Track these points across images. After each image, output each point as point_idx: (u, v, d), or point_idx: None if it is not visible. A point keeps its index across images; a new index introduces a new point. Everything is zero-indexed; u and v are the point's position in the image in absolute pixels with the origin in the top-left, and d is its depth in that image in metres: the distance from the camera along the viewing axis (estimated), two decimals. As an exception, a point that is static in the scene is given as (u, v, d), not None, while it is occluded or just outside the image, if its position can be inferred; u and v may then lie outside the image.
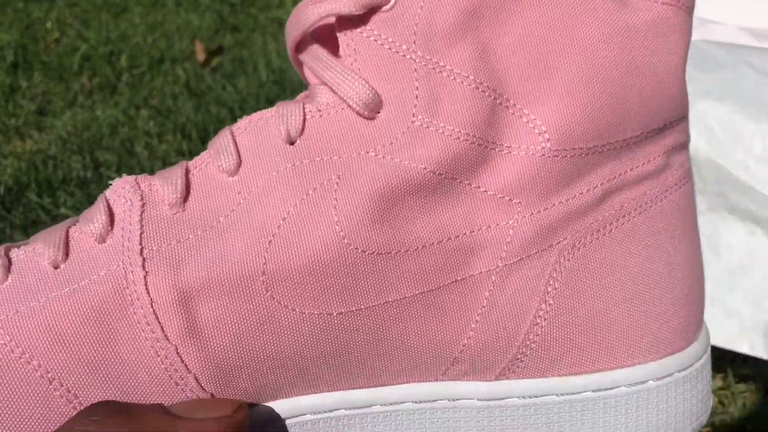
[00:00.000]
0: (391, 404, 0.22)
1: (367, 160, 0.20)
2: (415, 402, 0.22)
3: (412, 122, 0.20)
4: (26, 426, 0.19)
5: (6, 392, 0.19)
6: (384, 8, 0.20)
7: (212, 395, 0.20)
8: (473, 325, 0.21)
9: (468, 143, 0.20)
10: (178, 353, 0.19)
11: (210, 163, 0.21)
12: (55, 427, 0.19)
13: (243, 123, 0.21)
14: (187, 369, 0.19)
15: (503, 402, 0.22)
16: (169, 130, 1.06)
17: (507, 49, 0.20)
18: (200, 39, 1.47)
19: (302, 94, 0.22)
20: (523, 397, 0.22)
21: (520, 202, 0.20)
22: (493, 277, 0.21)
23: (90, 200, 0.89)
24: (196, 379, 0.19)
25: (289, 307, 0.20)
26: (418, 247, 0.20)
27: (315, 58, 0.21)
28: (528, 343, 0.21)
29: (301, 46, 0.21)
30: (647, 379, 0.22)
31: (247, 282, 0.19)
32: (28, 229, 0.84)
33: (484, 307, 0.21)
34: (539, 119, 0.20)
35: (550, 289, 0.21)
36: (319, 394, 0.21)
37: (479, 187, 0.20)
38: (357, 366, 0.21)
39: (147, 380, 0.19)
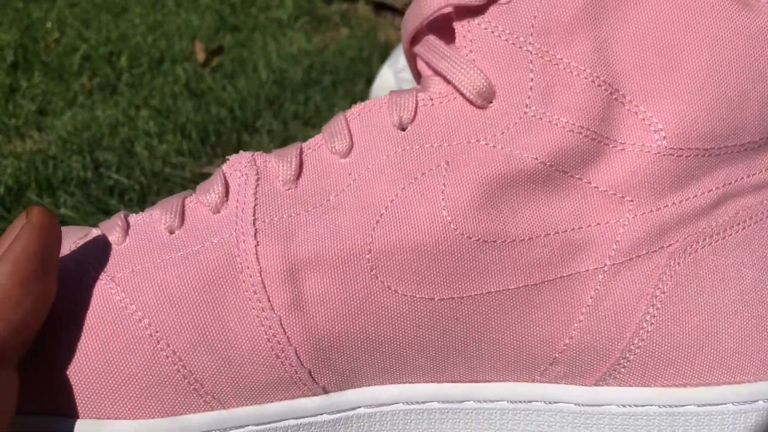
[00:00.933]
0: (485, 401, 0.22)
1: (477, 148, 0.20)
2: (511, 402, 0.22)
3: (525, 113, 0.20)
4: (131, 380, 0.20)
5: (117, 346, 0.19)
6: (502, 0, 0.20)
7: (310, 372, 0.20)
8: (576, 325, 0.20)
9: (581, 136, 0.20)
10: (281, 324, 0.20)
11: (323, 145, 0.21)
12: (158, 386, 0.20)
13: (356, 109, 0.22)
14: (289, 341, 0.20)
15: (601, 409, 0.21)
16: (169, 130, 1.06)
17: (625, 44, 0.20)
18: (200, 39, 1.47)
19: (415, 87, 0.23)
20: (623, 406, 0.21)
21: (632, 201, 0.20)
22: (600, 276, 0.20)
23: (90, 200, 0.89)
24: (296, 353, 0.20)
25: (392, 288, 0.20)
26: (524, 239, 0.20)
27: (430, 49, 0.21)
28: (632, 348, 0.21)
29: (416, 38, 0.22)
30: (757, 399, 0.21)
31: (354, 259, 0.20)
32: (28, 229, 0.84)
33: (588, 306, 0.20)
34: (656, 116, 0.20)
35: (658, 293, 0.20)
36: (413, 384, 0.21)
37: (590, 182, 0.20)
38: (454, 358, 0.21)
39: (249, 350, 0.20)
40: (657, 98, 0.20)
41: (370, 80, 1.27)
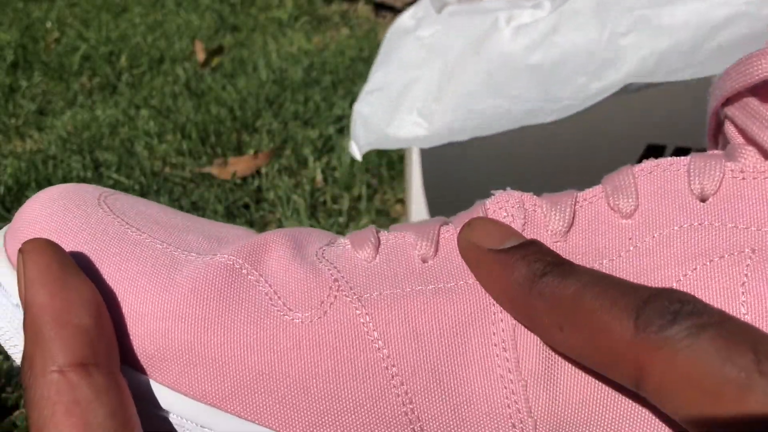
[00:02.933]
0: None
1: None
2: None
3: None
4: (356, 411, 0.18)
5: (351, 371, 0.18)
6: None
7: None
8: None
9: None
10: (526, 391, 0.17)
11: (602, 199, 0.19)
12: (382, 424, 0.18)
13: (648, 165, 0.19)
14: (530, 413, 0.17)
15: None
16: (169, 130, 1.06)
17: None
18: (200, 39, 1.47)
19: (717, 151, 0.20)
20: None
21: None
22: None
23: (90, 200, 0.89)
24: (535, 428, 0.17)
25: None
26: None
27: (751, 115, 0.18)
28: None
29: (731, 100, 0.19)
30: None
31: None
32: (28, 229, 0.84)
33: None
34: None
35: None
36: None
37: None
38: None
39: (484, 411, 0.18)
40: None
41: (370, 80, 1.27)
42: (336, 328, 0.18)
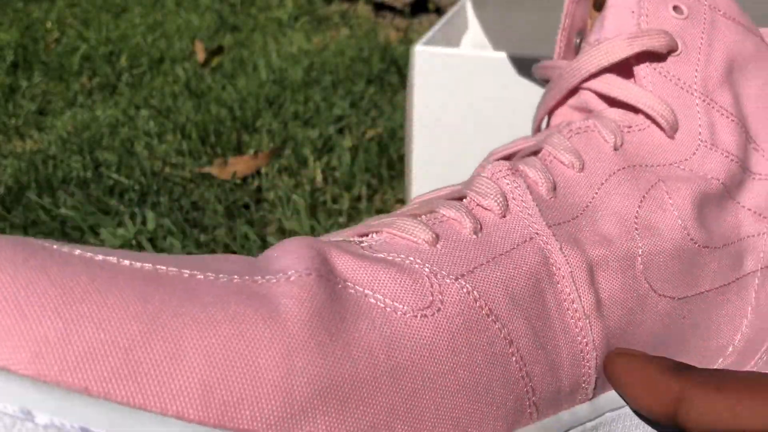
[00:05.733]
0: None
1: (677, 171, 0.24)
2: None
3: (700, 143, 0.24)
4: (470, 357, 0.17)
5: (463, 325, 0.18)
6: (674, 53, 0.25)
7: (596, 379, 0.20)
8: (746, 321, 0.24)
9: (736, 165, 0.24)
10: (590, 328, 0.20)
11: (554, 159, 0.23)
12: (490, 361, 0.18)
13: (572, 127, 0.24)
14: (594, 347, 0.20)
15: None
16: (169, 130, 1.06)
17: (750, 98, 0.26)
18: (200, 39, 1.47)
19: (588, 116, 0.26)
20: None
21: (765, 218, 0.25)
22: (756, 280, 0.24)
23: (90, 200, 0.89)
24: (596, 359, 0.20)
25: (655, 290, 0.22)
26: (719, 246, 0.23)
27: (616, 87, 0.25)
28: None
29: (590, 79, 0.26)
30: None
31: (629, 262, 0.21)
32: (28, 229, 0.84)
33: (752, 304, 0.24)
34: None
35: None
36: None
37: (743, 205, 0.25)
38: (677, 356, 0.23)
39: (566, 354, 0.19)
40: None
41: (370, 80, 1.27)
42: (452, 313, 0.18)
